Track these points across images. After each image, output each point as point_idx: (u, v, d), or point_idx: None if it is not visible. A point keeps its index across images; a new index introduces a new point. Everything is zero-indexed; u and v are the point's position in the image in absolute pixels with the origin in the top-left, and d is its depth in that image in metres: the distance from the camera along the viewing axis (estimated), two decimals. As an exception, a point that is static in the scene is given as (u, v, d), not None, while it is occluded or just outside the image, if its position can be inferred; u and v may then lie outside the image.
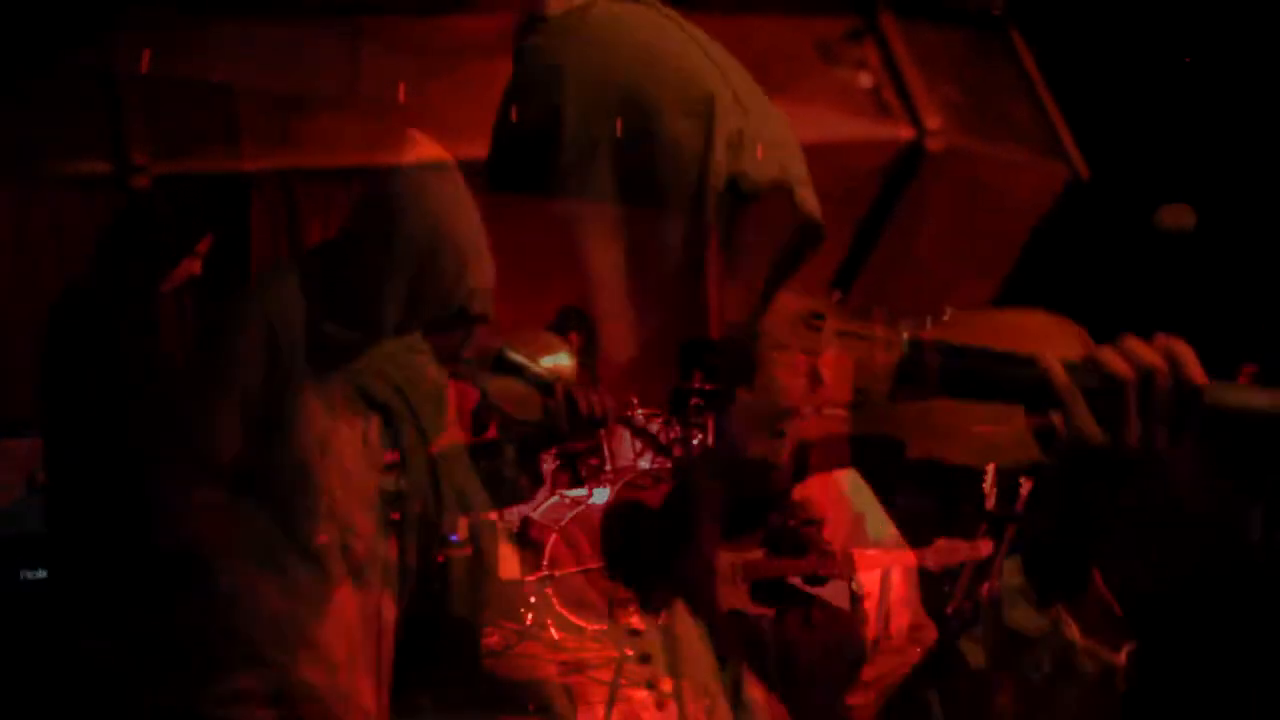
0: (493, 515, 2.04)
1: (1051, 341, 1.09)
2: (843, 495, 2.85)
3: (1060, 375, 1.02)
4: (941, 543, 3.16)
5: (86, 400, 2.91)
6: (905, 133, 2.16)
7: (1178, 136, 5.87)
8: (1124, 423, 0.99)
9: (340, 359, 1.81)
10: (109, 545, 2.59)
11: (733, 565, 3.24)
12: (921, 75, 2.22)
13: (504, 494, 2.11)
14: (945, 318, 1.17)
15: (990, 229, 2.53)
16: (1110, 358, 1.01)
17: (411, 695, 1.73)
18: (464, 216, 1.77)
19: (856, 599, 2.77)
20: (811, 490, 2.84)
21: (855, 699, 3.03)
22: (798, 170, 1.31)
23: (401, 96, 1.84)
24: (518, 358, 1.96)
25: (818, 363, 2.27)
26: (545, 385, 1.96)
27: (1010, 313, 1.23)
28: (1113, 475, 1.02)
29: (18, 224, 3.90)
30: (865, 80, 2.21)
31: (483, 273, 1.79)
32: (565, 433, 1.95)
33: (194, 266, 3.18)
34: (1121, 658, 1.05)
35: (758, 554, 3.36)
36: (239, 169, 2.20)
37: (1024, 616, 1.07)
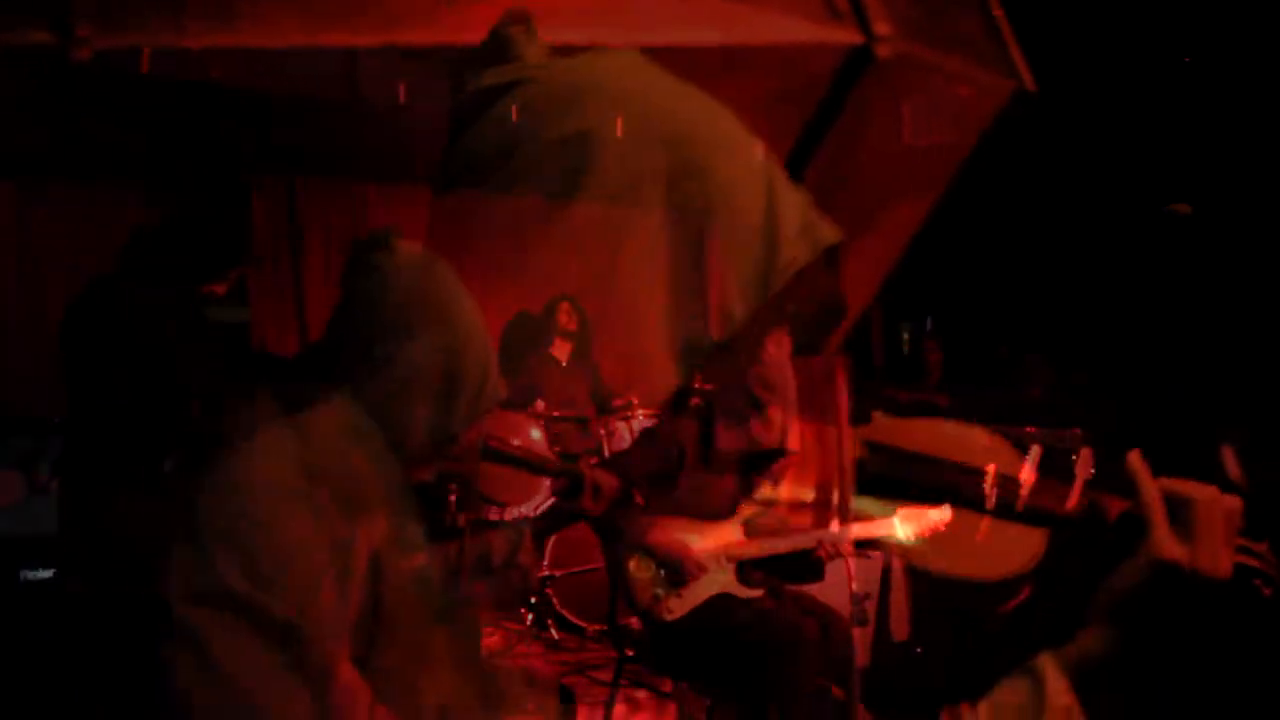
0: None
1: (997, 456, 1.13)
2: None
3: (1149, 489, 1.03)
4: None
5: (112, 395, 2.88)
6: (854, 38, 2.17)
7: (1127, 56, 5.90)
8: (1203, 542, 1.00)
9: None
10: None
11: (718, 549, 3.29)
12: (873, -19, 2.22)
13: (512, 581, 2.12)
14: (874, 422, 1.24)
15: (933, 140, 2.55)
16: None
17: (413, 695, 1.68)
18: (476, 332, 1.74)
19: (857, 599, 2.81)
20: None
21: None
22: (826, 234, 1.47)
23: None
24: (509, 449, 1.98)
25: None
26: (568, 471, 1.99)
27: (952, 425, 1.28)
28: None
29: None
30: (817, -17, 2.20)
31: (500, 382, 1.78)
32: (589, 510, 1.99)
33: (220, 289, 3.17)
34: None
35: (738, 537, 3.43)
36: (183, 46, 2.18)
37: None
